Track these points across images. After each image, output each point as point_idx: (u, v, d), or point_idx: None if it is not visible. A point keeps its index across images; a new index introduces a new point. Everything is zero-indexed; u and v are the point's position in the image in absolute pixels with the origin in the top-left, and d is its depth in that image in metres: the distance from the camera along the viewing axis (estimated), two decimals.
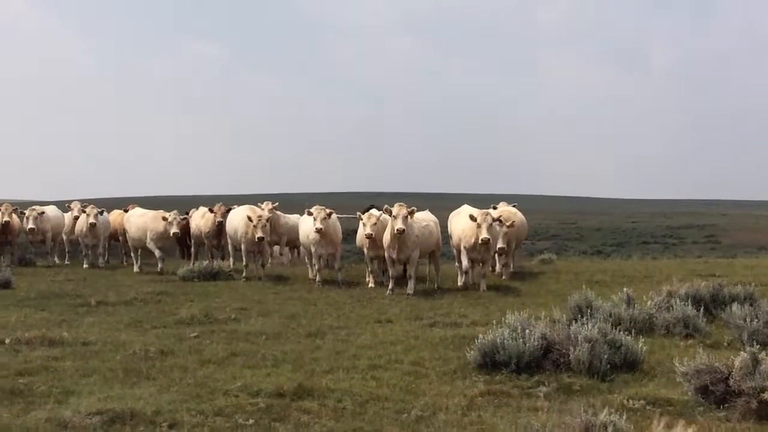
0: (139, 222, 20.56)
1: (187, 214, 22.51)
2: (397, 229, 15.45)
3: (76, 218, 22.41)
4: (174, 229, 19.68)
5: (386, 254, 16.24)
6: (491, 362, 9.01)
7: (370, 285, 17.20)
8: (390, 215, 15.80)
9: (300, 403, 7.78)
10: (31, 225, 21.61)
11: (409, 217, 15.70)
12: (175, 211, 20.22)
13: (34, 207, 22.25)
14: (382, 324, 12.25)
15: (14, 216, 22.04)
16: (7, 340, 10.47)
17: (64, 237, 23.65)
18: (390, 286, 16.08)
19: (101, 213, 21.89)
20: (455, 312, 13.22)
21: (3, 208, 21.85)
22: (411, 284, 15.92)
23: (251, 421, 7.22)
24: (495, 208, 18.67)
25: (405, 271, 17.25)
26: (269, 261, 21.14)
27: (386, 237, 16.05)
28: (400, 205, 15.73)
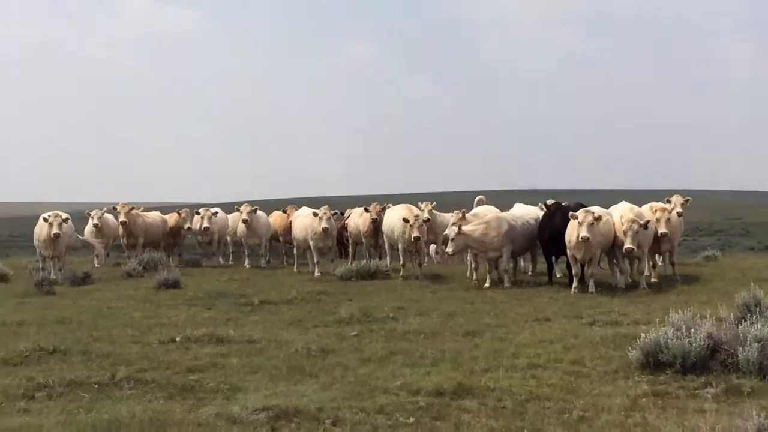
0: (303, 222, 20.79)
1: (342, 214, 22.77)
2: (582, 237, 15.23)
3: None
4: (324, 224, 19.40)
5: (569, 254, 16.14)
6: (654, 362, 8.78)
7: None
8: (575, 220, 15.50)
9: (460, 401, 7.80)
10: (206, 224, 22.60)
11: (595, 223, 15.47)
12: (325, 207, 20.05)
13: (207, 208, 23.33)
14: (541, 322, 12.13)
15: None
16: (178, 338, 10.97)
17: (228, 238, 24.41)
18: (574, 284, 15.88)
19: (254, 212, 22.47)
20: (615, 310, 12.92)
21: (184, 214, 23.29)
22: (591, 283, 15.78)
23: (412, 420, 7.30)
24: (669, 201, 18.12)
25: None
26: (426, 260, 21.18)
27: (571, 238, 15.81)
28: (585, 212, 15.54)
